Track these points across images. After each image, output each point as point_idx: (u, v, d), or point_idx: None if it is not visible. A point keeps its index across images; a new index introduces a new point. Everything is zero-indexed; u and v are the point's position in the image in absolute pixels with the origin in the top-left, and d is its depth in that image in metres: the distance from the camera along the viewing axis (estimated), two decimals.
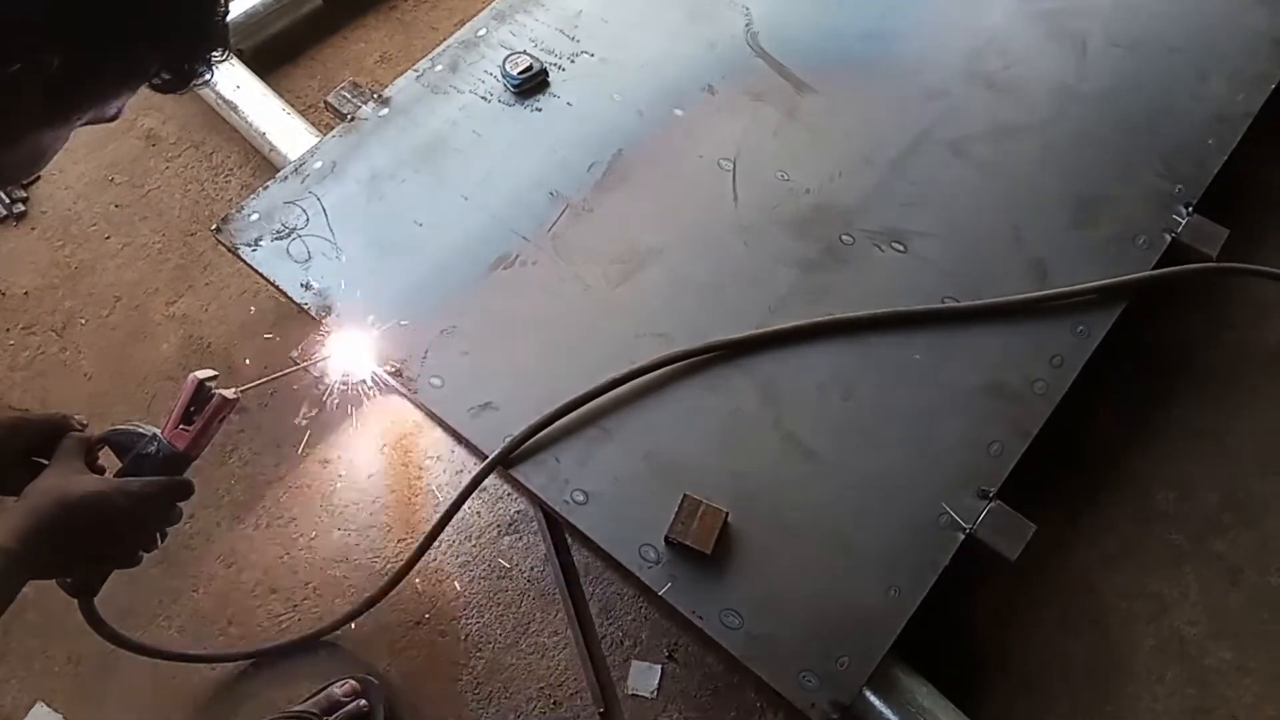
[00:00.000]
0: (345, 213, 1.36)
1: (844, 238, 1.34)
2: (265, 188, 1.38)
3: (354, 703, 1.12)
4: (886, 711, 1.07)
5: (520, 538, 1.28)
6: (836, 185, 1.39)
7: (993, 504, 1.14)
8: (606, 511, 1.15)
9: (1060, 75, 1.47)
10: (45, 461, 0.90)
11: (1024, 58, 1.50)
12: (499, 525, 1.29)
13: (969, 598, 1.22)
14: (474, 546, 1.27)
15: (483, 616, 1.22)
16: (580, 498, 1.15)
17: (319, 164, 1.41)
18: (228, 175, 1.58)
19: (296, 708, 1.11)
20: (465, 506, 1.29)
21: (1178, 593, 1.23)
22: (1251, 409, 1.34)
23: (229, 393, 0.94)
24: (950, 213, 1.36)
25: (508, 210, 1.37)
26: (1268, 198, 1.52)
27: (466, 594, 1.24)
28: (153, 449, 0.92)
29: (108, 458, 0.93)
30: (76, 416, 0.96)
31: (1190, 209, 1.35)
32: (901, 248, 1.33)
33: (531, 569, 1.25)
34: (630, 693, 1.17)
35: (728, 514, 1.11)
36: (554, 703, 1.17)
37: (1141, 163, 1.39)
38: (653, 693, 1.17)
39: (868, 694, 1.07)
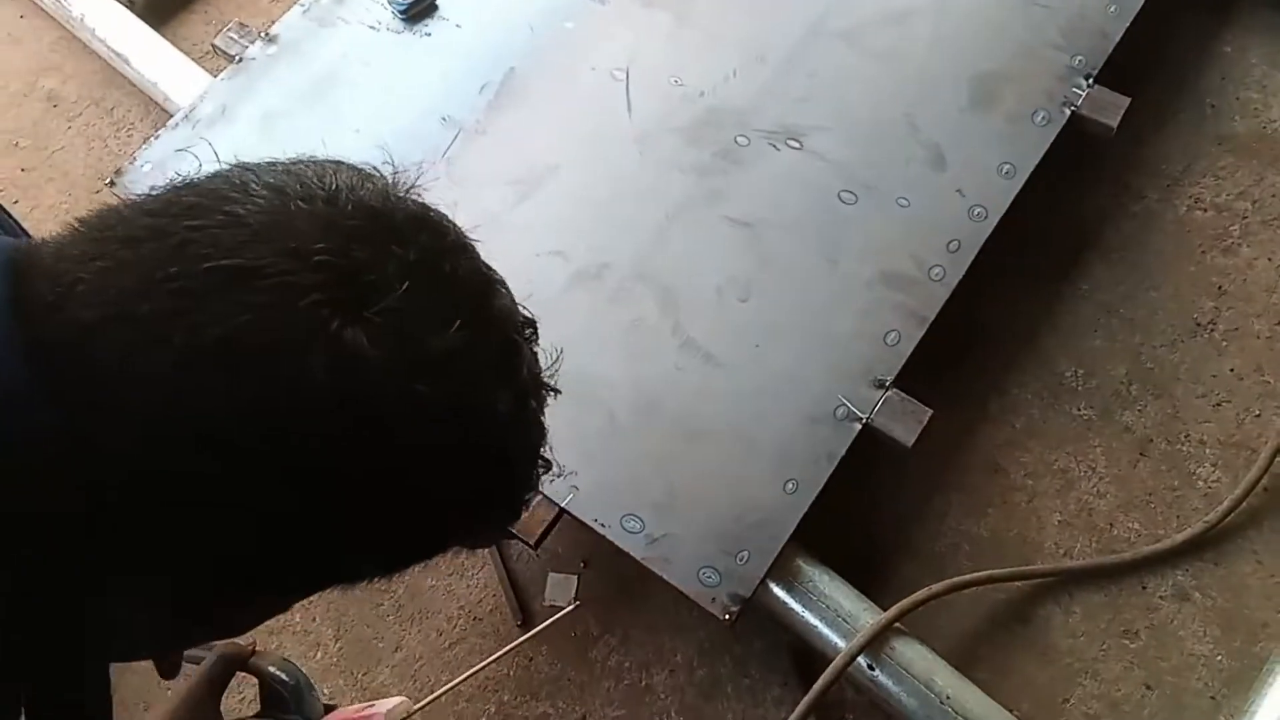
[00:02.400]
0: (239, 156, 1.34)
1: (739, 139, 1.32)
2: (156, 137, 1.37)
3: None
4: (789, 600, 1.09)
5: None
6: (730, 86, 1.36)
7: (889, 392, 1.15)
8: None
9: None
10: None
11: None
12: None
13: (876, 490, 1.24)
14: None
15: None
16: None
17: (209, 108, 1.39)
18: (129, 130, 1.57)
19: None
20: None
21: (1085, 467, 1.23)
22: (1160, 279, 1.33)
23: None
24: (845, 105, 1.33)
25: (401, 140, 1.35)
26: (1173, 65, 1.48)
27: None
28: None
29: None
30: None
31: (1090, 80, 1.32)
32: (797, 145, 1.31)
33: None
34: (548, 603, 1.20)
35: None
36: (475, 619, 1.20)
37: (1039, 37, 1.36)
38: (570, 602, 1.20)
39: (770, 584, 1.09)
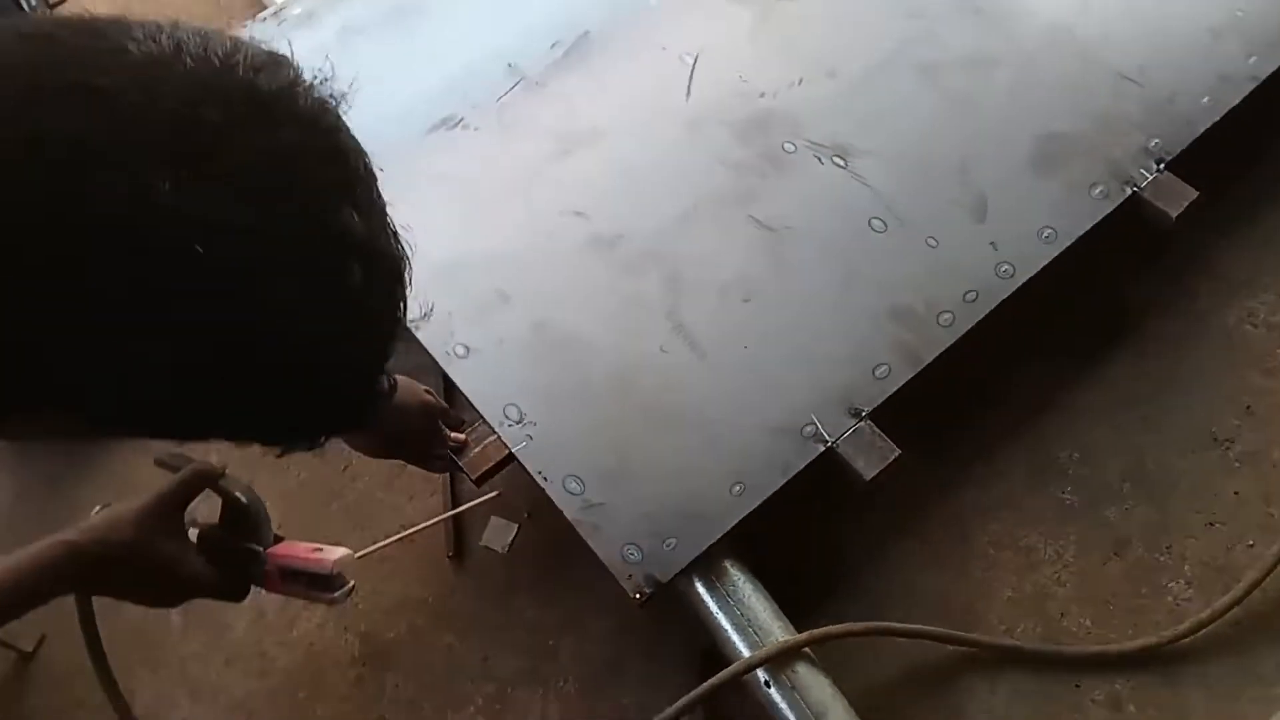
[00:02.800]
0: (310, 60, 1.41)
1: (786, 145, 1.31)
2: (243, 25, 1.44)
3: None
4: (706, 597, 1.08)
5: None
6: (794, 93, 1.35)
7: (863, 423, 1.13)
8: (483, 368, 1.18)
9: (1058, 10, 1.39)
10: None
11: None
12: None
13: (840, 522, 1.21)
14: None
15: None
16: (461, 351, 1.18)
17: (298, 10, 1.46)
18: (230, 15, 1.65)
19: None
20: None
21: (1053, 551, 1.18)
22: (1188, 384, 1.27)
23: (341, 595, 0.95)
24: (901, 135, 1.31)
25: (464, 75, 1.39)
26: (1268, 175, 1.40)
27: None
28: (249, 562, 0.92)
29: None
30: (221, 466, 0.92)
31: (1162, 166, 1.27)
32: (842, 162, 1.30)
33: None
34: (483, 544, 1.22)
35: None
36: (411, 540, 1.22)
37: (1120, 111, 1.31)
38: (504, 548, 1.21)
39: (693, 578, 1.08)
